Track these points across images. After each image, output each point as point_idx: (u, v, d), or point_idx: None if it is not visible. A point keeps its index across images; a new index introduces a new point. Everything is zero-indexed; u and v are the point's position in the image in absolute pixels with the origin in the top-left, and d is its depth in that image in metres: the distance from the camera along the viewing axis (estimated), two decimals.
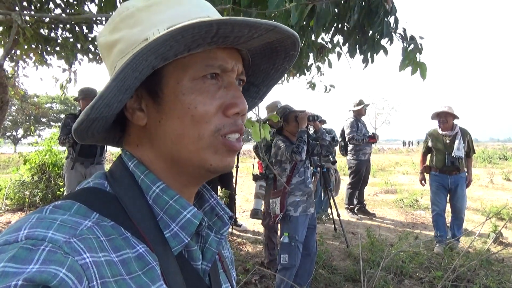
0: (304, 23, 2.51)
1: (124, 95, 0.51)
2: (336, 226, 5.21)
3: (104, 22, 3.19)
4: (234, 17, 0.46)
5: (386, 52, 2.82)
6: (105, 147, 4.58)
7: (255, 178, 4.09)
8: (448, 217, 4.88)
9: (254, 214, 3.86)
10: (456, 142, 4.57)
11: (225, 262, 0.68)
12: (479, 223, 4.88)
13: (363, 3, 2.53)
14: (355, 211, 6.43)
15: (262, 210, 3.99)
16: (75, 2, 3.14)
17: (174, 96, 0.51)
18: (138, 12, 0.51)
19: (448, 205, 4.80)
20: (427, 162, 4.99)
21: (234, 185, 5.39)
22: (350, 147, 6.27)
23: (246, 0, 1.66)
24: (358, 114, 6.31)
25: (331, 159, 5.53)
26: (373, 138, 6.15)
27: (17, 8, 2.44)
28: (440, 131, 4.73)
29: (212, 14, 0.54)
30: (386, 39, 2.66)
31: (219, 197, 4.52)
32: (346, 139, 6.20)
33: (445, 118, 4.66)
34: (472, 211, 6.90)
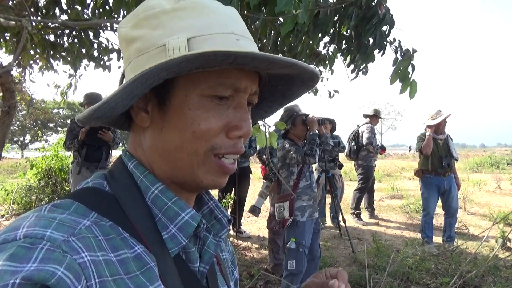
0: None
1: (131, 101, 0.51)
2: (341, 231, 5.18)
3: (109, 28, 3.22)
4: (254, 52, 0.45)
5: (373, 60, 2.74)
6: (110, 151, 4.60)
7: (265, 177, 4.22)
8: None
9: (252, 210, 3.93)
10: (450, 144, 4.83)
11: (223, 265, 0.68)
12: (486, 229, 4.83)
13: (359, 11, 2.51)
14: (361, 216, 6.39)
15: (261, 209, 4.03)
16: (79, 8, 3.17)
17: (180, 109, 0.51)
18: (163, 15, 0.51)
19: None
20: (417, 166, 5.09)
21: (247, 191, 5.45)
22: (363, 152, 6.22)
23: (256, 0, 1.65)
24: (374, 122, 6.38)
25: (338, 163, 5.51)
26: (384, 150, 6.36)
27: (27, 14, 2.48)
28: (434, 135, 4.85)
29: (237, 29, 0.52)
30: (380, 49, 2.62)
31: (227, 200, 4.60)
32: (364, 143, 6.11)
33: (445, 122, 4.88)
34: (479, 216, 6.82)
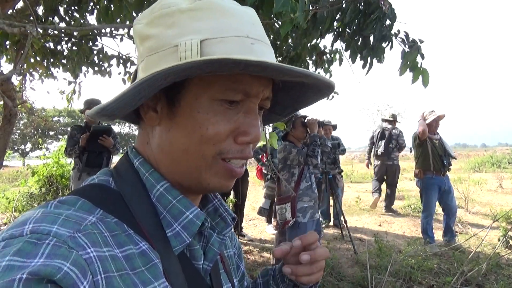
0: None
1: (139, 102, 0.51)
2: (343, 232, 5.18)
3: (108, 35, 3.24)
4: (265, 61, 0.44)
5: (383, 53, 2.74)
6: (111, 157, 4.62)
7: (266, 179, 4.28)
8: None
9: (259, 211, 4.25)
10: (445, 144, 4.85)
11: (227, 262, 0.69)
12: (487, 226, 4.82)
13: (360, 7, 2.52)
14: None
15: (268, 210, 4.15)
16: (77, 16, 3.20)
17: (189, 111, 0.50)
18: (178, 14, 0.50)
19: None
20: (416, 167, 5.03)
21: (246, 193, 5.45)
22: (396, 153, 6.83)
23: None
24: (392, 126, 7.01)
25: (337, 169, 5.57)
26: None
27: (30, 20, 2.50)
28: (429, 135, 4.87)
29: (253, 32, 0.51)
30: (386, 42, 2.64)
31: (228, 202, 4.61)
32: (401, 145, 6.75)
33: (437, 123, 4.92)
34: (481, 216, 6.80)
